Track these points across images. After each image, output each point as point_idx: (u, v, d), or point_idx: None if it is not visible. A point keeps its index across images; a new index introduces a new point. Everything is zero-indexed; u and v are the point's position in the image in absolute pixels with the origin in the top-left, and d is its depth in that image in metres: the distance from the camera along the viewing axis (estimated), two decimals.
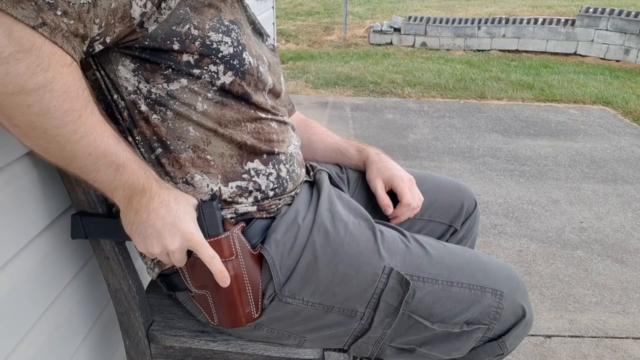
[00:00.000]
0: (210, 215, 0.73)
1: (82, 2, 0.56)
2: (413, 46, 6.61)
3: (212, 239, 0.72)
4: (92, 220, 0.77)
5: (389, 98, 4.43)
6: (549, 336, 1.62)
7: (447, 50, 6.43)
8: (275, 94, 0.84)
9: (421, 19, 6.58)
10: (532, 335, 1.62)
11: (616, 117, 3.91)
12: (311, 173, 0.95)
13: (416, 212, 0.99)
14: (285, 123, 0.85)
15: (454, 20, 6.43)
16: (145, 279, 0.98)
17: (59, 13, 0.54)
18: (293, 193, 0.85)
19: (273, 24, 4.00)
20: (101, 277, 0.85)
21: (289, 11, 9.08)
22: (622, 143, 3.35)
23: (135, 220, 0.67)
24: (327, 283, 0.77)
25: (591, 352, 1.56)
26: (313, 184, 0.91)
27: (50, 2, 0.53)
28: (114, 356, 1.02)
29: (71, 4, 0.55)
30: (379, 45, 6.77)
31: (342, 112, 3.99)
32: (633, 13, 5.44)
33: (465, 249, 0.89)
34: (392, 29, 6.72)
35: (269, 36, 0.91)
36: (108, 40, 0.63)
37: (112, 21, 0.60)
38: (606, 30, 5.69)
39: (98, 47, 0.63)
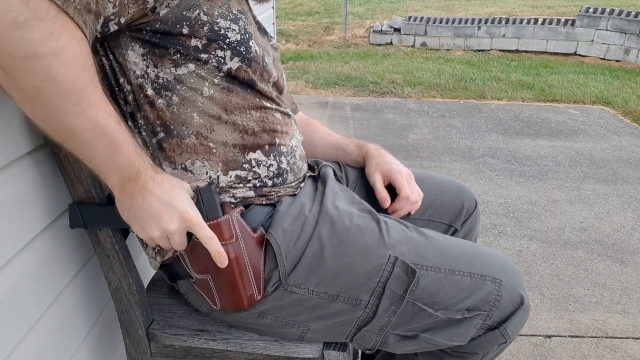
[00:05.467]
0: (208, 199, 0.73)
1: None
2: (413, 46, 6.61)
3: (212, 222, 0.72)
4: (90, 209, 0.77)
5: (389, 98, 4.43)
6: (549, 336, 1.62)
7: (447, 50, 6.43)
8: (278, 88, 0.86)
9: (421, 19, 6.58)
10: (532, 335, 1.62)
11: (616, 117, 3.92)
12: (315, 169, 0.97)
13: (416, 207, 0.99)
14: (289, 116, 0.87)
15: (454, 20, 6.43)
16: (146, 278, 0.98)
17: None
18: (294, 184, 0.85)
19: (273, 24, 3.99)
20: (102, 275, 0.85)
21: (289, 11, 9.08)
22: (622, 143, 3.35)
23: (131, 205, 0.67)
24: (334, 273, 0.78)
25: (591, 352, 1.56)
26: (317, 179, 0.93)
27: None
28: (115, 355, 1.02)
29: None
30: (379, 45, 6.77)
31: (342, 112, 3.99)
32: (633, 13, 5.44)
33: (464, 240, 0.90)
34: (392, 29, 6.72)
35: (272, 37, 0.92)
36: (122, 20, 0.65)
37: (126, 1, 0.63)
38: (606, 30, 5.69)
39: (113, 27, 0.65)
